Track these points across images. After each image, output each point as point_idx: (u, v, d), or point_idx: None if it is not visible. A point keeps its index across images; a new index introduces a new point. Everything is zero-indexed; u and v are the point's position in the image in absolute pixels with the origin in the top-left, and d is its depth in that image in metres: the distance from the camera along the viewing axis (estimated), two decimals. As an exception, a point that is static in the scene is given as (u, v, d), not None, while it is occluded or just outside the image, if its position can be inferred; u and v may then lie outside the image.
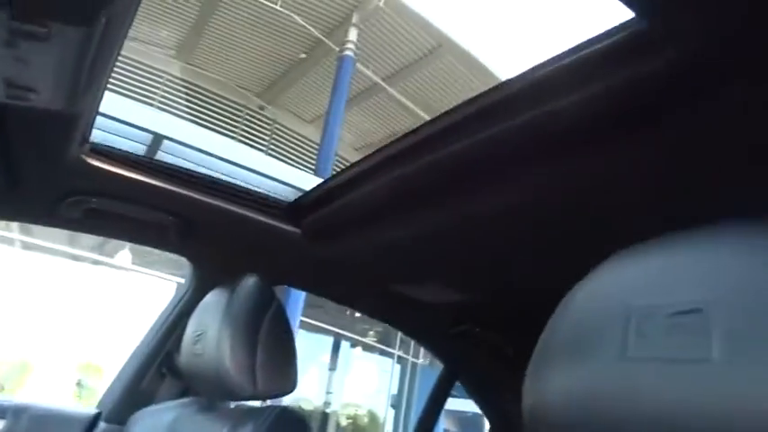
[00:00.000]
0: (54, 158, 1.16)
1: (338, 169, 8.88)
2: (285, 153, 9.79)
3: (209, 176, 1.41)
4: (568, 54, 0.74)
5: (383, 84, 8.65)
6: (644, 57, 0.65)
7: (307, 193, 1.46)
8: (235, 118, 9.64)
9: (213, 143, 6.63)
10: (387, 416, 10.66)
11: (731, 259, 0.52)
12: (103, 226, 1.45)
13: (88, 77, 0.83)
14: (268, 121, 9.94)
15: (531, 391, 0.59)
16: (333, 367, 10.47)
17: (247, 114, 9.77)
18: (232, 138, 9.07)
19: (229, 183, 1.44)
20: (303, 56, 8.68)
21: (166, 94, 9.10)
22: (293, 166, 8.59)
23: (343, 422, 10.36)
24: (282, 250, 1.54)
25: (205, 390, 1.33)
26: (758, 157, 0.73)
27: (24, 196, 1.29)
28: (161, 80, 9.09)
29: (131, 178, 1.29)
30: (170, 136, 6.35)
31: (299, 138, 10.12)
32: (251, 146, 9.08)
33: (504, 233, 1.17)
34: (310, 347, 9.84)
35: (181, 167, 1.37)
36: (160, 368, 1.66)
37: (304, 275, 1.73)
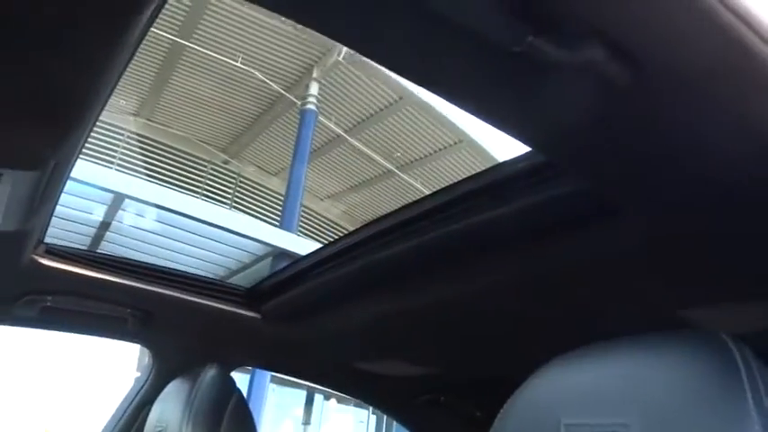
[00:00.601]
0: (6, 263, 1.16)
1: (303, 220, 8.80)
2: (250, 206, 9.76)
3: (166, 268, 1.42)
4: (490, 172, 0.82)
5: (346, 135, 8.78)
6: (543, 183, 0.72)
7: (265, 279, 1.48)
8: (199, 173, 9.62)
9: (173, 200, 6.60)
10: (364, 470, 10.40)
11: (649, 374, 0.57)
12: (60, 322, 1.44)
13: (40, 203, 0.85)
14: (232, 175, 9.94)
15: None
16: (307, 421, 10.20)
17: (212, 169, 9.75)
18: (196, 192, 9.03)
19: (187, 273, 1.45)
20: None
21: (127, 151, 9.04)
22: (258, 218, 8.58)
23: (320, 478, 10.06)
24: (243, 335, 1.54)
25: None
26: (666, 273, 0.80)
27: None
28: (121, 137, 9.04)
29: (88, 276, 1.29)
30: (130, 194, 6.32)
31: (265, 190, 10.13)
32: (215, 200, 9.05)
33: (464, 313, 1.22)
34: (283, 402, 9.60)
35: (137, 261, 1.38)
36: (121, 460, 1.62)
37: (266, 357, 1.73)
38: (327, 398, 10.50)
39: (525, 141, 0.64)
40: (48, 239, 1.22)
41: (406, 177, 9.29)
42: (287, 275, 1.40)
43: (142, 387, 1.66)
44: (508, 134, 0.63)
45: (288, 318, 1.47)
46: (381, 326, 1.38)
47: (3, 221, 0.85)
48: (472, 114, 0.61)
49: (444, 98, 0.59)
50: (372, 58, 0.54)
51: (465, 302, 1.15)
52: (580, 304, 0.99)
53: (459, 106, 0.59)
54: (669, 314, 0.85)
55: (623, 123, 0.53)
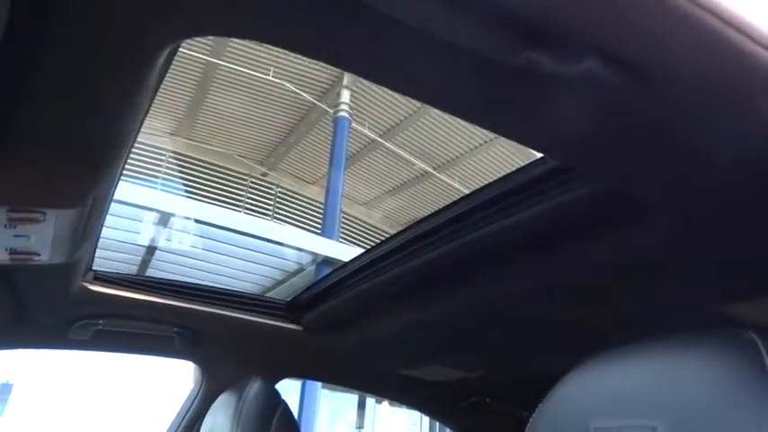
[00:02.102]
0: (59, 292, 1.23)
1: (344, 227, 8.83)
2: (291, 216, 9.91)
3: (208, 286, 1.48)
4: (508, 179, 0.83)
5: (381, 140, 8.82)
6: (569, 184, 0.72)
7: (304, 291, 1.52)
8: (240, 187, 9.82)
9: (217, 216, 6.77)
10: (419, 472, 10.39)
11: (676, 376, 0.57)
12: (111, 344, 1.51)
13: (83, 236, 0.90)
14: (271, 187, 10.11)
15: None
16: (360, 425, 10.27)
17: (251, 182, 9.95)
18: (238, 206, 9.23)
19: (228, 290, 1.50)
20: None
21: (169, 171, 9.31)
22: (300, 227, 8.70)
23: (376, 482, 10.10)
24: (286, 347, 1.58)
25: None
26: (685, 274, 0.79)
27: (33, 326, 1.35)
28: (163, 157, 9.33)
29: (135, 298, 1.35)
30: (176, 213, 6.53)
31: (304, 199, 10.27)
32: (257, 213, 9.21)
33: (502, 316, 1.22)
34: (335, 407, 9.70)
35: (180, 282, 1.44)
36: (178, 474, 1.68)
37: (309, 368, 1.77)
38: (379, 401, 10.54)
39: (539, 149, 0.64)
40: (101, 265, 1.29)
41: (443, 177, 9.27)
42: (324, 286, 1.43)
43: (194, 401, 1.72)
44: (522, 144, 0.63)
45: (328, 328, 1.50)
46: (420, 332, 1.40)
47: (51, 256, 0.91)
48: (484, 128, 0.62)
49: (454, 115, 0.60)
50: (378, 83, 0.56)
51: (502, 305, 1.16)
52: (614, 303, 0.98)
53: (469, 121, 0.60)
54: (701, 311, 0.84)
55: (631, 127, 0.54)
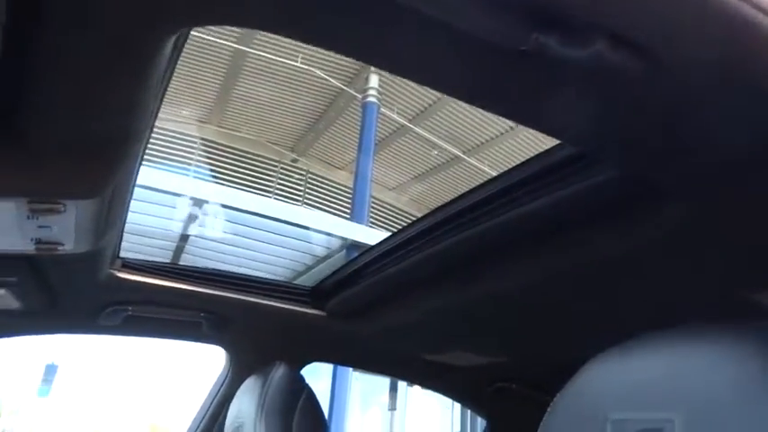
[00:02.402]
0: (88, 279, 1.26)
1: (374, 212, 8.82)
2: (320, 202, 9.97)
3: (234, 273, 1.50)
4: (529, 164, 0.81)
5: (410, 124, 8.78)
6: (581, 173, 0.70)
7: (328, 277, 1.52)
8: (270, 173, 9.92)
9: (249, 202, 6.85)
10: (451, 454, 10.45)
11: (695, 368, 0.55)
12: (141, 329, 1.55)
13: (106, 225, 0.92)
14: (301, 173, 10.18)
15: None
16: (392, 407, 10.36)
17: (282, 168, 10.03)
18: (269, 192, 9.33)
19: (253, 276, 1.52)
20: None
21: (201, 158, 9.45)
22: (329, 212, 8.75)
23: (408, 464, 10.20)
24: (311, 333, 1.60)
25: None
26: (704, 264, 0.76)
27: (64, 313, 1.39)
28: (195, 145, 9.47)
29: (162, 285, 1.38)
30: (209, 200, 6.63)
31: (334, 185, 10.31)
32: (287, 199, 9.30)
33: (525, 302, 1.21)
34: (368, 389, 9.80)
35: (206, 269, 1.47)
36: (208, 454, 1.72)
37: (334, 353, 1.78)
38: (411, 384, 10.59)
39: (551, 134, 0.63)
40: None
41: (473, 161, 9.18)
42: (348, 272, 1.43)
43: (222, 385, 1.75)
44: (535, 128, 0.62)
45: (352, 313, 1.51)
46: (443, 317, 1.39)
47: (75, 245, 0.93)
48: (496, 113, 0.61)
49: (466, 101, 0.59)
50: (386, 69, 0.55)
51: (523, 291, 1.14)
52: (635, 290, 0.96)
53: (480, 107, 0.59)
54: (722, 300, 0.81)
55: (642, 111, 0.52)
